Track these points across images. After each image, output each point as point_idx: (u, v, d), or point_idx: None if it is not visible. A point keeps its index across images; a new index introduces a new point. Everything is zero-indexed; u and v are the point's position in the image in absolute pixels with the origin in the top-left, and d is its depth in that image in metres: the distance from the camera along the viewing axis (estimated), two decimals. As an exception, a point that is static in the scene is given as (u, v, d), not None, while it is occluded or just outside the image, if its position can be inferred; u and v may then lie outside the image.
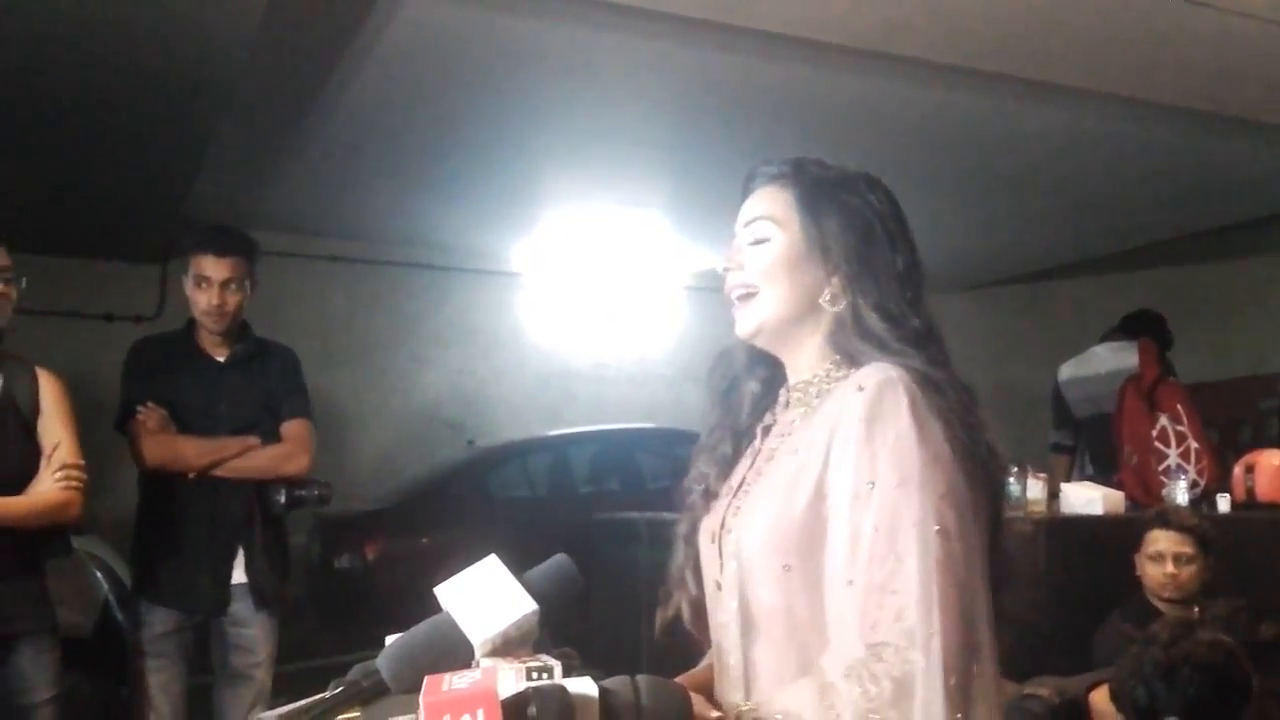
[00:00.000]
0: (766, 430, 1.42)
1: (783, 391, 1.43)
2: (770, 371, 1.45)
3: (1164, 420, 4.44)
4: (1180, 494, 4.12)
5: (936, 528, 1.17)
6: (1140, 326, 5.05)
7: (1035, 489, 3.77)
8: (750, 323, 1.38)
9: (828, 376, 1.35)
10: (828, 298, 1.34)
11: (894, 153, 5.66)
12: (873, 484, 1.20)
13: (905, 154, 5.73)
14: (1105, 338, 5.24)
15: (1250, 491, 4.20)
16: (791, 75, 4.81)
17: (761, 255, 1.36)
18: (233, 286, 3.24)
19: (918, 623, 1.14)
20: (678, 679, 1.33)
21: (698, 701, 1.15)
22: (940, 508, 1.18)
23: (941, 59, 4.48)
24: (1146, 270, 8.48)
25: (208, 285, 3.22)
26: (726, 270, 1.39)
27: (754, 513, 1.31)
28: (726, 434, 1.46)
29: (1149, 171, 6.23)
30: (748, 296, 1.37)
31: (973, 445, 1.26)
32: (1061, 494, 3.97)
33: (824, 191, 1.36)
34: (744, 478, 1.39)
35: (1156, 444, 4.40)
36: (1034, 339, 8.67)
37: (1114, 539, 3.65)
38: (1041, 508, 3.77)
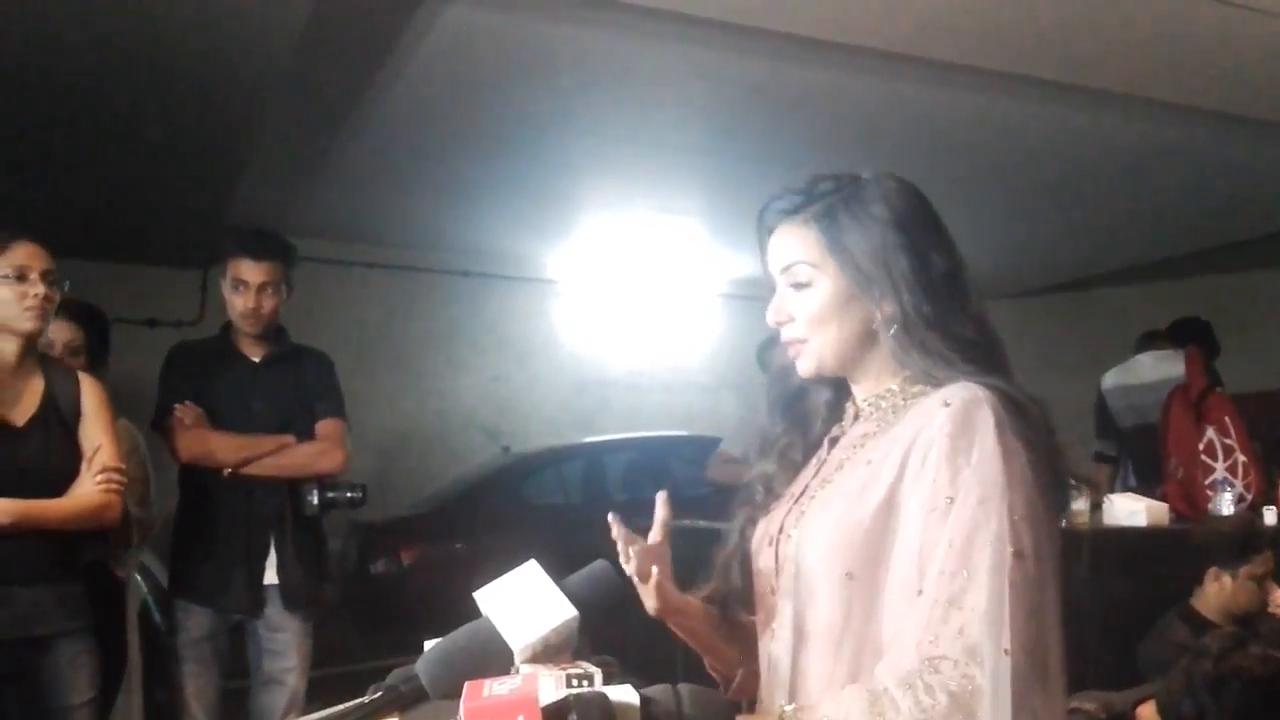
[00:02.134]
0: (834, 441, 1.40)
1: (849, 405, 1.41)
2: (837, 379, 1.43)
3: (1211, 432, 4.36)
4: (1226, 506, 4.06)
5: (1012, 549, 1.15)
6: (1186, 334, 4.98)
7: (1078, 500, 3.72)
8: (810, 366, 1.36)
9: (902, 392, 1.33)
10: (880, 322, 1.31)
11: (932, 159, 5.63)
12: (951, 499, 1.18)
13: (943, 160, 5.69)
14: (1148, 345, 5.16)
15: (1298, 504, 4.13)
16: (829, 81, 4.79)
17: (806, 302, 1.34)
18: (269, 290, 3.27)
19: (982, 641, 1.12)
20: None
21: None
22: (1019, 529, 1.16)
23: (981, 64, 4.44)
24: (1190, 278, 8.37)
25: (244, 288, 3.25)
26: (778, 324, 1.37)
27: (819, 519, 1.30)
28: (797, 439, 1.45)
29: (1193, 178, 6.15)
30: (801, 343, 1.36)
31: (1052, 469, 1.24)
32: (1105, 505, 3.91)
33: (847, 216, 1.32)
34: (807, 485, 1.37)
35: (1203, 457, 4.32)
36: (1076, 348, 8.57)
37: (1158, 551, 3.59)
38: (1085, 519, 3.72)
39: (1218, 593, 3.24)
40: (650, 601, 1.34)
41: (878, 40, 4.21)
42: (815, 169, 1.41)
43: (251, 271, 3.25)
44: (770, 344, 1.50)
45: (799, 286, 1.34)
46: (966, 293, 1.32)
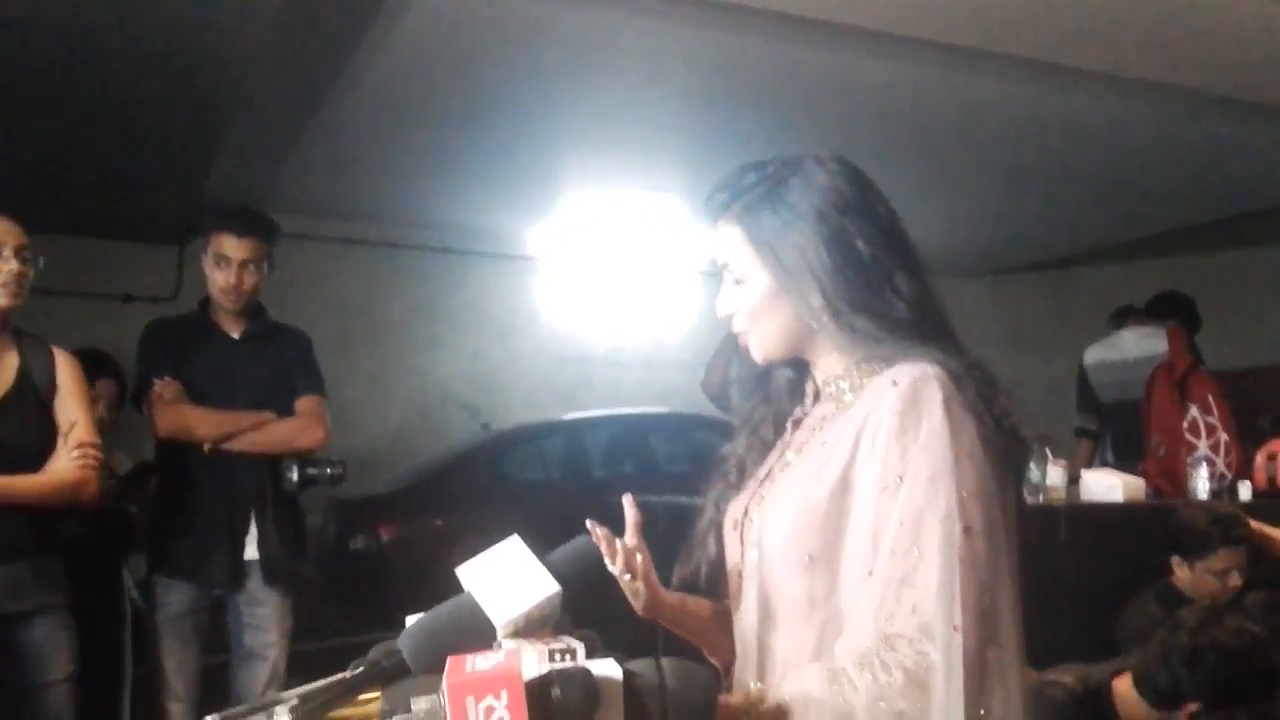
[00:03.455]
0: (797, 423, 1.41)
1: (809, 385, 1.42)
2: (797, 359, 1.43)
3: (1194, 411, 4.37)
4: (1202, 483, 4.09)
5: (961, 525, 1.16)
6: (1167, 309, 5.00)
7: (1055, 475, 3.74)
8: (758, 355, 1.39)
9: (857, 370, 1.33)
10: (811, 317, 1.32)
11: (914, 138, 5.63)
12: (901, 478, 1.19)
13: (925, 139, 5.69)
14: (1125, 320, 5.19)
15: (1272, 480, 4.16)
16: (811, 59, 4.77)
17: (743, 298, 1.37)
18: (251, 267, 3.25)
19: (934, 618, 1.14)
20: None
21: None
22: (967, 505, 1.17)
23: (962, 42, 4.43)
24: (1167, 257, 8.42)
25: (226, 264, 3.23)
26: (725, 316, 1.40)
27: (778, 503, 1.31)
28: (767, 418, 1.46)
29: (1170, 157, 6.17)
30: (746, 334, 1.39)
31: (1002, 438, 1.25)
32: (1081, 481, 3.94)
33: (769, 212, 1.32)
34: (771, 469, 1.39)
35: (1187, 435, 4.33)
36: (1053, 326, 8.63)
37: (1134, 526, 3.62)
38: (1061, 494, 3.75)
39: (1183, 580, 3.24)
40: (640, 599, 1.32)
41: (859, 18, 4.20)
42: (795, 147, 1.41)
43: (234, 248, 3.22)
44: (712, 370, 1.53)
45: (736, 282, 1.37)
46: (895, 271, 1.31)
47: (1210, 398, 4.41)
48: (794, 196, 1.31)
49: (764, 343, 1.37)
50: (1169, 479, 4.29)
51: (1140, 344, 4.93)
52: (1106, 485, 3.87)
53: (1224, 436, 4.30)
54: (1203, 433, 4.32)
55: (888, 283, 1.30)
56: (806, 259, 1.29)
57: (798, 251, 1.30)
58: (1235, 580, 3.17)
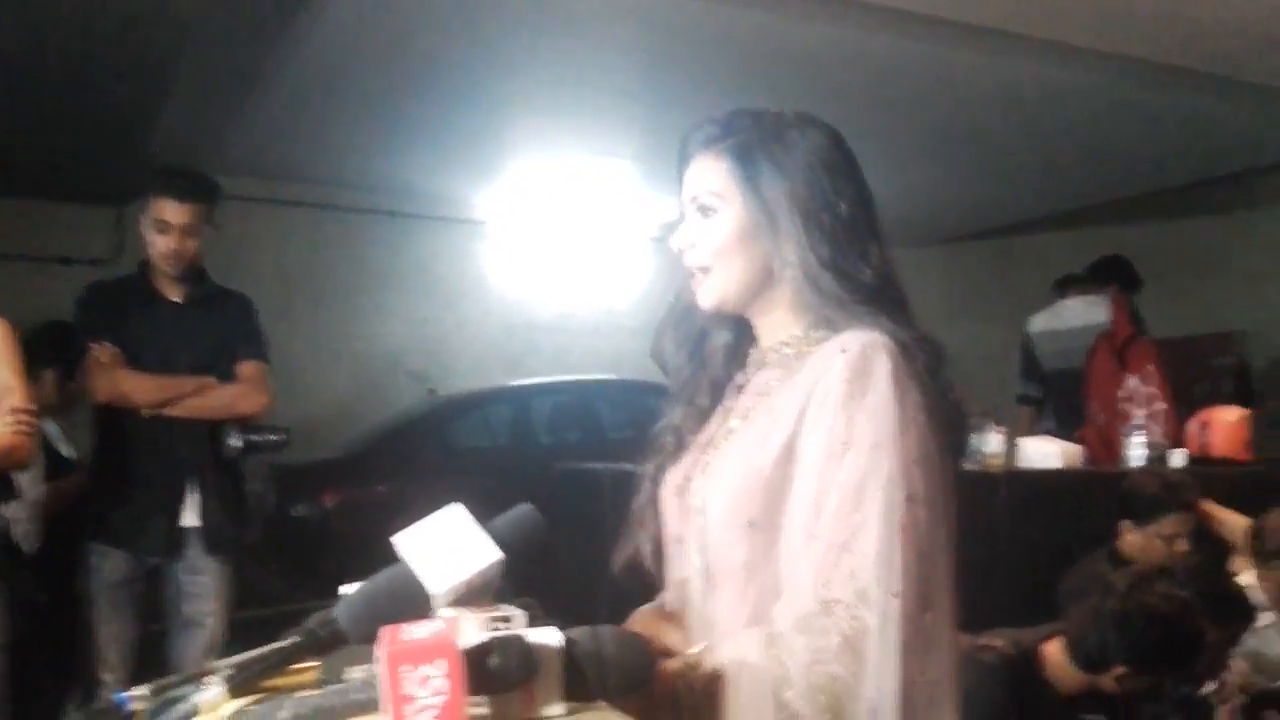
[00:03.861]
0: (740, 389, 1.41)
1: (754, 350, 1.41)
2: (739, 323, 1.43)
3: (1134, 381, 4.45)
4: (1136, 450, 4.16)
5: (904, 493, 1.17)
6: (1107, 273, 5.08)
7: (994, 442, 3.79)
8: (711, 297, 1.37)
9: (806, 338, 1.33)
10: (780, 265, 1.32)
11: (863, 103, 5.63)
12: (847, 444, 1.19)
13: (874, 105, 5.70)
14: (1068, 289, 5.25)
15: (1204, 447, 4.26)
16: (762, 24, 4.77)
17: (710, 231, 1.35)
18: (192, 232, 3.21)
19: (872, 584, 1.14)
20: (640, 611, 1.41)
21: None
22: (910, 473, 1.18)
23: (912, 8, 4.45)
24: (1110, 226, 8.52)
25: (167, 230, 3.18)
26: (681, 250, 1.38)
27: (721, 469, 1.31)
28: (702, 384, 1.45)
29: (1116, 127, 6.24)
30: (704, 272, 1.36)
31: (945, 408, 1.26)
32: (1020, 447, 3.99)
33: (761, 154, 1.32)
34: (713, 435, 1.38)
35: (1125, 404, 4.41)
36: (997, 294, 8.71)
37: (1072, 493, 3.68)
38: (1000, 460, 3.80)
39: (1132, 544, 3.30)
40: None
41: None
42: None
43: (175, 213, 3.17)
44: (661, 336, 1.50)
45: (705, 213, 1.35)
46: (869, 238, 1.32)
47: (1149, 367, 4.49)
48: (787, 146, 1.32)
49: (723, 285, 1.35)
50: (1108, 446, 4.36)
51: (1085, 313, 5.01)
52: (1044, 452, 3.94)
53: (1160, 405, 4.38)
54: (1140, 401, 4.40)
55: (859, 247, 1.31)
56: (792, 203, 1.30)
57: (785, 196, 1.30)
58: (1181, 546, 3.23)
